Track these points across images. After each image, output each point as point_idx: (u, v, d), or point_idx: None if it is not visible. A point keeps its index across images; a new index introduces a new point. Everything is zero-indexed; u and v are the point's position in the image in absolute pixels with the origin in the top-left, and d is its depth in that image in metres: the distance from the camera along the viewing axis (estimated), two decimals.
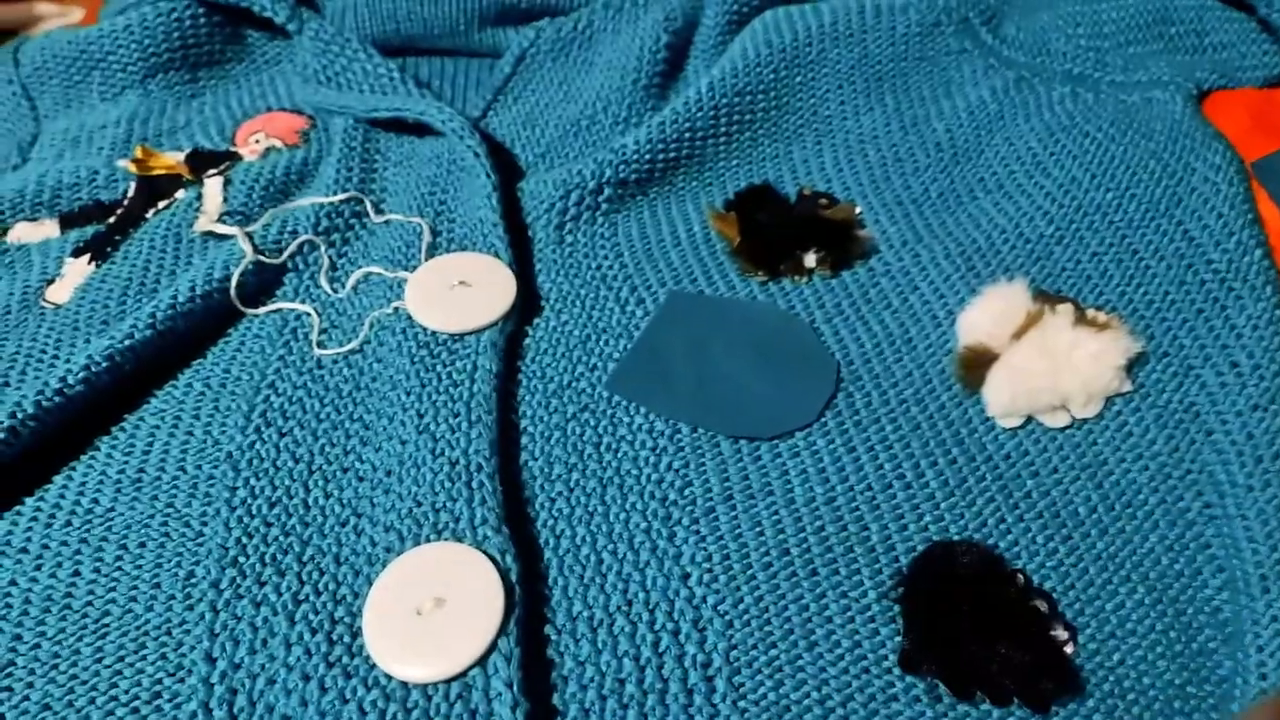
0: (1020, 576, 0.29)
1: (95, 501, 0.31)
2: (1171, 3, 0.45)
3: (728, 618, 0.28)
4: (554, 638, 0.28)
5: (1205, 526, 0.31)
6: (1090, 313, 0.34)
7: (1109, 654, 0.28)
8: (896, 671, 0.27)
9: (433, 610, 0.27)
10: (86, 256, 0.39)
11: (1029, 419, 0.33)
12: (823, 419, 0.33)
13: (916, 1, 0.46)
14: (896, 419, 0.33)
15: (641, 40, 0.47)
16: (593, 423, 0.33)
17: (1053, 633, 0.28)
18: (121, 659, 0.28)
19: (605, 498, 0.31)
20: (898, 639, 0.28)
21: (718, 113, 0.43)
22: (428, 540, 0.29)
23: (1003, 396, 0.33)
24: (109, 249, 0.40)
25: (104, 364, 0.33)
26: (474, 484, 0.30)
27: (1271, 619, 0.28)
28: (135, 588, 0.29)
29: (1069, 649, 0.28)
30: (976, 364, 0.34)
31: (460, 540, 0.29)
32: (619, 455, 0.32)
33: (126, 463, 0.32)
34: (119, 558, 0.30)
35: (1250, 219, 0.37)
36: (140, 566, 0.30)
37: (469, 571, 0.28)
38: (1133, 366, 0.33)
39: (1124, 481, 0.32)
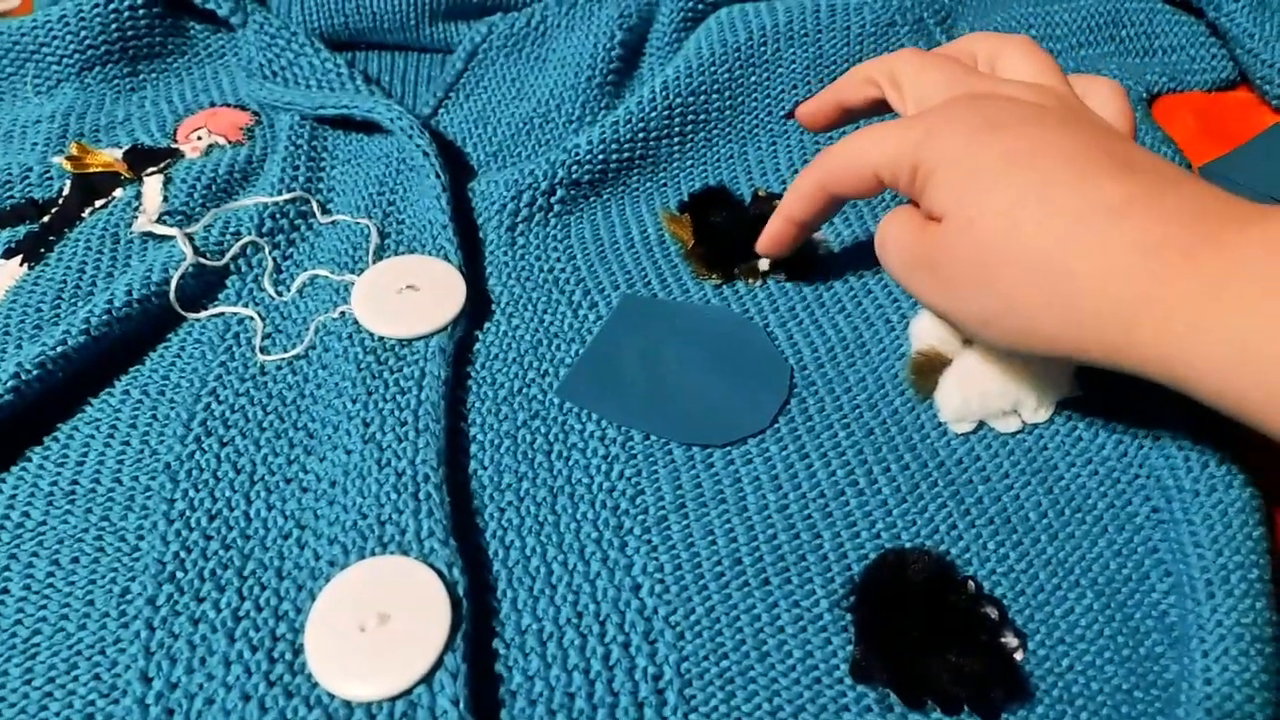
0: (971, 583, 0.29)
1: (26, 515, 0.30)
2: (1123, 5, 0.45)
3: (679, 629, 0.28)
4: (502, 652, 0.27)
5: (1153, 531, 0.31)
6: None
7: (1058, 660, 0.28)
8: (848, 681, 0.27)
9: (377, 626, 0.26)
10: (18, 258, 0.38)
11: (981, 424, 0.33)
12: (775, 425, 0.33)
13: (871, 1, 0.46)
14: (849, 425, 0.33)
15: (596, 37, 0.47)
16: (543, 430, 0.33)
17: (1003, 640, 0.28)
18: (52, 680, 0.27)
19: (556, 507, 0.31)
20: (849, 648, 0.28)
21: (672, 112, 0.42)
22: (373, 553, 0.28)
23: (954, 402, 0.33)
24: (42, 250, 0.38)
25: (35, 372, 0.32)
26: (420, 495, 0.29)
27: (1216, 624, 0.28)
28: (67, 605, 0.28)
29: (1019, 656, 0.28)
30: (929, 369, 0.34)
31: (406, 553, 0.28)
32: (570, 463, 0.32)
33: (59, 474, 0.31)
34: (50, 574, 0.29)
35: None
36: (73, 583, 0.29)
37: (415, 585, 0.27)
38: (1082, 372, 0.34)
39: (1074, 486, 0.32)
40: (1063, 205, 0.25)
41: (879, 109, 0.34)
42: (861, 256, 0.38)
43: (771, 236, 0.35)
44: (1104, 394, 0.33)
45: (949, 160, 0.27)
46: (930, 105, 0.30)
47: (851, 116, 0.36)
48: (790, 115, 0.40)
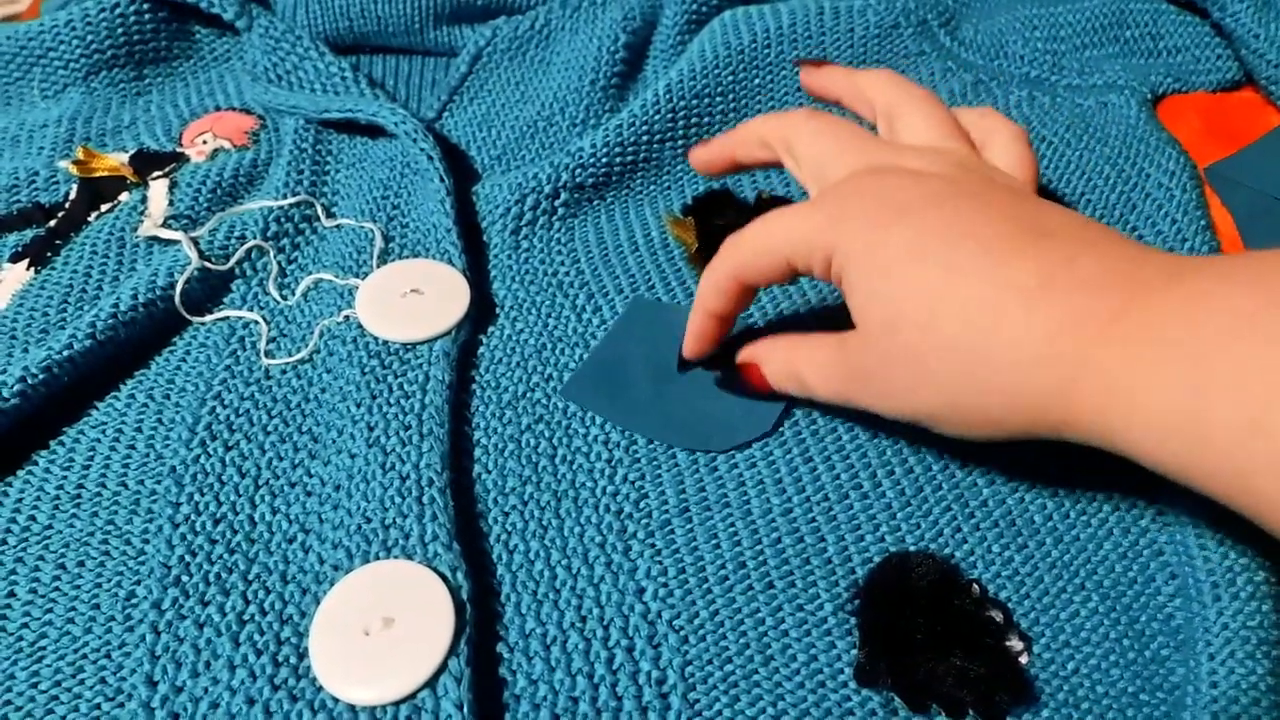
0: (976, 587, 0.29)
1: (32, 519, 0.30)
2: (1127, 6, 0.45)
3: (683, 633, 0.28)
4: (506, 656, 0.27)
5: (1159, 534, 0.31)
6: None
7: (1063, 663, 0.28)
8: (852, 685, 0.27)
9: (381, 630, 0.26)
10: (25, 262, 0.38)
11: None
12: (779, 428, 0.33)
13: (875, 4, 0.46)
14: (854, 428, 0.33)
15: (599, 40, 0.47)
16: (547, 434, 0.33)
17: (1008, 643, 0.28)
18: (58, 683, 0.27)
19: (560, 511, 0.31)
20: (853, 652, 0.28)
21: (675, 115, 0.42)
22: (377, 558, 0.28)
23: None
24: (49, 254, 0.38)
25: (41, 375, 0.32)
26: (425, 499, 0.29)
27: (1222, 627, 0.28)
28: (73, 609, 0.28)
29: (1024, 659, 0.28)
30: None
31: (410, 557, 0.28)
32: (574, 468, 0.32)
33: (65, 478, 0.31)
34: (56, 577, 0.29)
35: (1203, 225, 0.38)
36: (79, 586, 0.29)
37: (419, 590, 0.27)
38: None
39: (1078, 489, 0.32)
40: (978, 297, 0.24)
41: (771, 168, 0.34)
42: None
43: (694, 334, 0.33)
44: None
45: (856, 255, 0.27)
46: (828, 178, 0.30)
47: (743, 169, 0.35)
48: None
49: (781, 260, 0.29)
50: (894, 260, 0.26)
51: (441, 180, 0.39)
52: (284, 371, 0.35)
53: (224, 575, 0.29)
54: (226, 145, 0.44)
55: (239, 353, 0.35)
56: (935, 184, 0.28)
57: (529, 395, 0.34)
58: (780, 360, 0.31)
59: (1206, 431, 0.21)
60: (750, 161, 0.34)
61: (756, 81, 0.44)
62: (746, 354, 0.32)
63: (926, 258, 0.25)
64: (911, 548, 0.30)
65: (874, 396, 0.28)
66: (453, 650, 0.26)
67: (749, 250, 0.30)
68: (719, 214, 0.40)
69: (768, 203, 0.40)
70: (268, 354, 0.35)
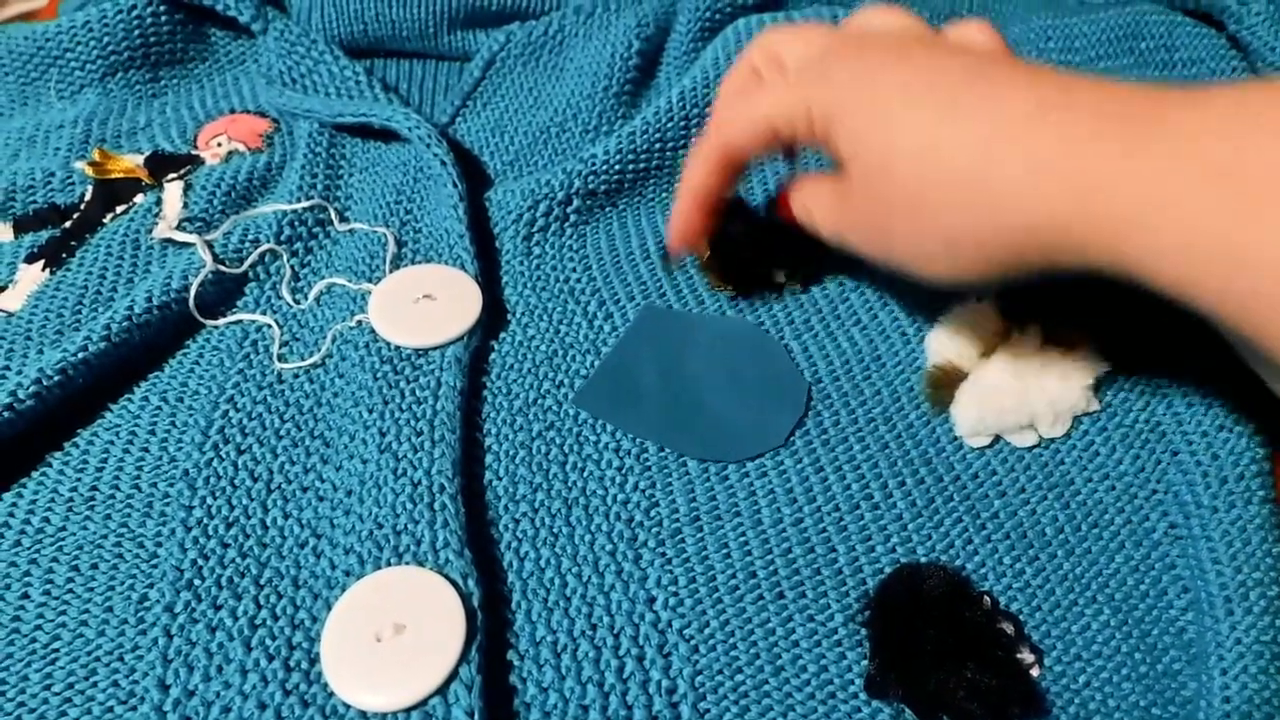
0: (987, 598, 0.29)
1: (46, 520, 0.30)
2: (1142, 18, 0.45)
3: (693, 642, 0.28)
4: (516, 664, 0.27)
5: (1170, 547, 0.31)
6: (1058, 332, 0.34)
7: (1075, 676, 0.28)
8: (863, 697, 0.27)
9: (393, 636, 0.26)
10: (41, 262, 0.38)
11: (997, 438, 0.33)
12: (791, 440, 0.33)
13: None
14: (865, 439, 0.33)
15: (613, 47, 0.47)
16: (558, 441, 0.33)
17: (1019, 655, 0.28)
18: (71, 685, 0.27)
19: (570, 519, 0.31)
20: (864, 663, 0.28)
21: (688, 122, 0.42)
22: (388, 564, 0.28)
23: (971, 416, 0.33)
24: (64, 255, 0.38)
25: (56, 377, 0.32)
26: (436, 505, 0.29)
27: (1235, 641, 0.28)
28: (87, 611, 0.28)
29: (1035, 672, 0.28)
30: (945, 383, 0.33)
31: (421, 564, 0.28)
32: (585, 475, 0.32)
33: (79, 480, 0.31)
34: (70, 580, 0.29)
35: None
36: (92, 589, 0.29)
37: (430, 596, 0.27)
38: (1100, 386, 0.33)
39: (1090, 501, 0.32)
40: (976, 121, 0.24)
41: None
42: (878, 270, 0.38)
43: (679, 219, 0.33)
44: (1120, 409, 0.33)
45: (847, 103, 0.27)
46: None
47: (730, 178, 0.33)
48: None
49: (764, 125, 0.29)
50: (884, 102, 0.26)
51: (454, 186, 0.39)
52: (296, 376, 0.35)
53: (236, 579, 0.29)
54: (241, 148, 0.44)
55: (252, 356, 0.35)
56: (912, 42, 0.28)
57: (540, 402, 0.34)
58: (801, 193, 0.31)
59: (1250, 257, 0.20)
60: (755, 141, 0.31)
61: None
62: (787, 184, 0.32)
63: (919, 98, 0.25)
64: (922, 559, 0.30)
65: (869, 242, 0.28)
66: (464, 657, 0.26)
67: (734, 117, 0.30)
68: (731, 222, 0.39)
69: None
70: (280, 358, 0.35)
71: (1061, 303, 0.35)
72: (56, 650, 0.28)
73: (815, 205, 0.30)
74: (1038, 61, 0.45)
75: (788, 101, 0.29)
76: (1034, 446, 0.33)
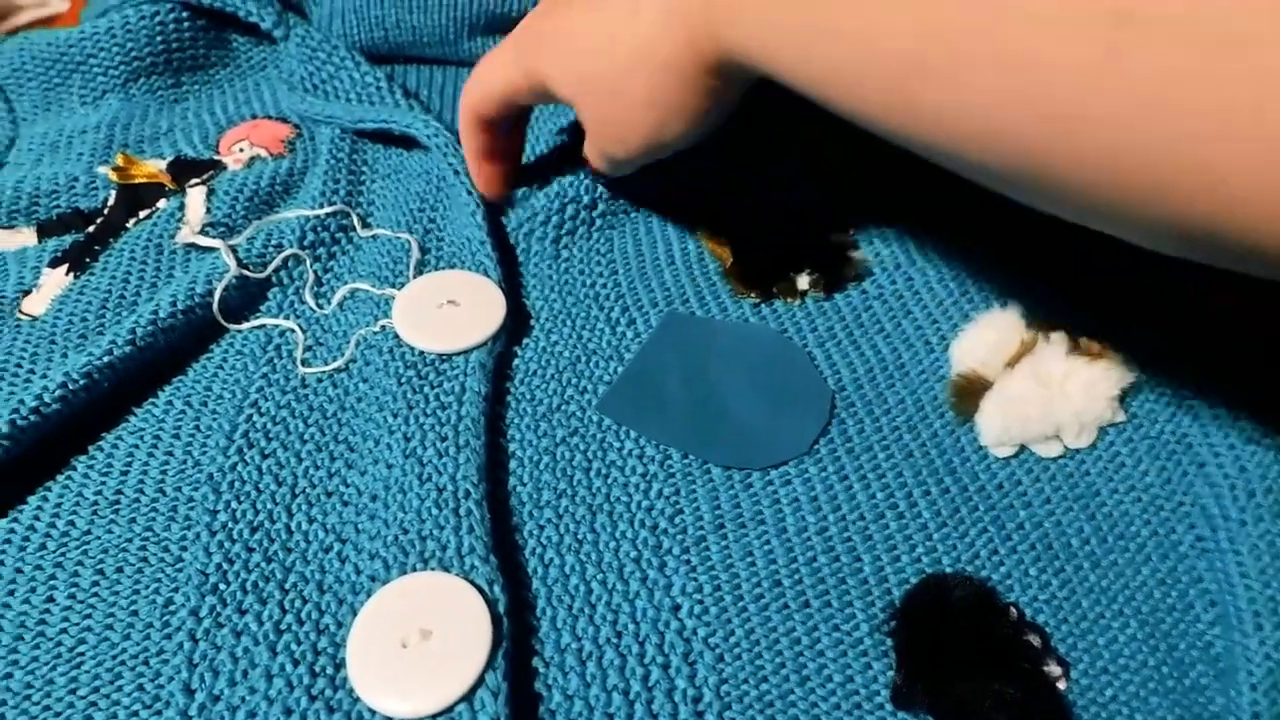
0: (1014, 610, 0.29)
1: (71, 524, 0.31)
2: None
3: (718, 651, 0.28)
4: (542, 670, 0.27)
5: (1197, 560, 0.30)
6: (1084, 341, 0.34)
7: (1101, 690, 0.28)
8: (889, 708, 0.27)
9: (419, 642, 0.26)
10: (64, 267, 0.38)
11: (1022, 448, 0.33)
12: (815, 448, 0.33)
13: None
14: (889, 447, 0.33)
15: None
16: (582, 447, 0.33)
17: (1045, 668, 0.28)
18: (97, 689, 0.27)
19: (595, 525, 0.31)
20: (890, 674, 0.28)
21: None
22: (414, 569, 0.28)
23: (996, 426, 0.32)
24: (88, 259, 0.39)
25: (82, 381, 0.32)
26: (461, 511, 0.29)
27: (1265, 657, 0.28)
28: (112, 615, 0.28)
29: (1061, 685, 0.28)
30: (970, 392, 0.33)
31: (447, 570, 0.28)
32: (609, 481, 0.32)
33: (104, 484, 0.31)
34: (95, 583, 0.29)
35: None
36: (117, 593, 0.29)
37: (456, 602, 0.27)
38: (1125, 396, 0.33)
39: (1116, 513, 0.31)
40: (597, 32, 0.31)
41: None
42: (900, 277, 0.38)
43: (476, 179, 0.40)
44: (1146, 419, 0.33)
45: (548, 66, 0.34)
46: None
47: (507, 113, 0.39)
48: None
49: (499, 97, 0.37)
50: (569, 52, 0.33)
51: (469, 194, 0.39)
52: (320, 380, 0.35)
53: (261, 584, 0.29)
54: (263, 154, 0.44)
55: (275, 361, 0.35)
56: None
57: (564, 408, 0.34)
58: (585, 153, 0.37)
59: (820, 24, 0.25)
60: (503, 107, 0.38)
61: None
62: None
63: (586, 31, 0.32)
64: (948, 569, 0.30)
65: (623, 150, 0.34)
66: (490, 664, 0.26)
67: (474, 92, 0.38)
68: (753, 230, 0.39)
69: (803, 215, 0.40)
70: (304, 363, 0.35)
71: (1087, 310, 0.35)
72: (82, 654, 0.28)
73: (590, 155, 0.36)
74: None
75: (505, 76, 0.36)
76: (1059, 457, 0.33)
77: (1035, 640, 0.28)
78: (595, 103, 0.33)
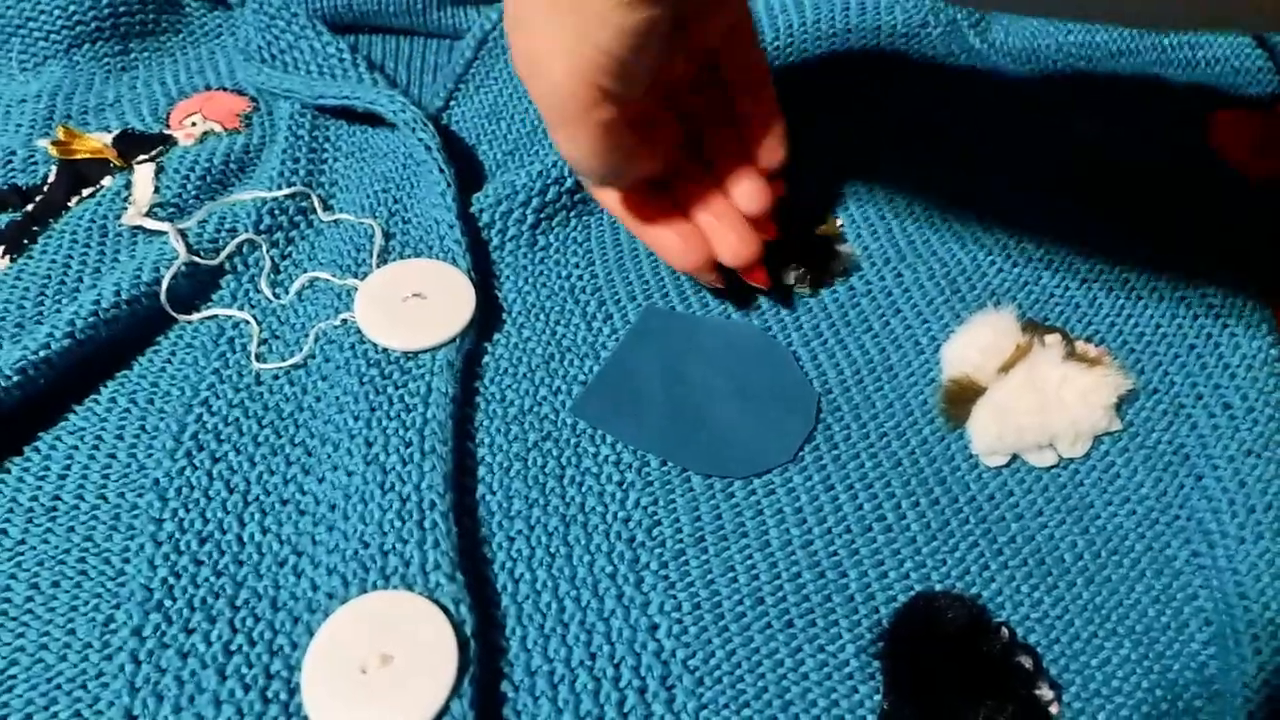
0: (1005, 630, 0.28)
1: (3, 533, 0.28)
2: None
3: (698, 674, 0.26)
4: (511, 695, 0.26)
5: (1193, 577, 0.29)
6: (1080, 346, 0.33)
7: (1094, 713, 0.27)
8: None
9: (379, 667, 0.25)
10: (0, 249, 0.36)
11: (1014, 457, 0.31)
12: (800, 455, 0.31)
13: (904, 1, 0.44)
14: (877, 455, 0.31)
15: None
16: (555, 453, 0.31)
17: (1038, 692, 0.27)
18: (29, 716, 0.25)
19: (568, 538, 0.29)
20: (877, 698, 0.27)
21: None
22: (375, 586, 0.27)
23: (988, 434, 0.31)
24: (25, 241, 0.36)
25: (15, 377, 0.30)
26: (426, 524, 0.27)
27: (1263, 683, 0.27)
28: (47, 634, 0.26)
29: (1054, 709, 0.27)
30: (961, 398, 0.32)
31: (410, 588, 0.26)
32: (583, 490, 0.30)
33: (40, 489, 0.29)
34: (29, 599, 0.27)
35: None
36: (53, 609, 0.27)
37: (419, 624, 0.26)
38: (1121, 404, 0.32)
39: (1110, 526, 0.30)
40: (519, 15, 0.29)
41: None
42: (890, 273, 0.36)
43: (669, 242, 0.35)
44: (1143, 428, 0.32)
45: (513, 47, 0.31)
46: None
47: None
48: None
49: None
50: (528, 39, 0.30)
51: (441, 172, 0.37)
52: (276, 377, 0.33)
53: (210, 600, 0.27)
54: (217, 128, 0.41)
55: (228, 355, 0.33)
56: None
57: (536, 410, 0.32)
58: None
59: None
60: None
61: (779, 78, 0.42)
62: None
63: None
64: (937, 585, 0.29)
65: (557, 129, 0.31)
66: (455, 690, 0.24)
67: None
68: None
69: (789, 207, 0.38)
70: (259, 357, 0.33)
71: (1082, 311, 0.34)
72: (14, 676, 0.26)
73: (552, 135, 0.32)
74: (1058, 58, 0.43)
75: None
76: (1052, 466, 0.31)
77: (1027, 662, 0.27)
78: (515, 54, 0.30)
